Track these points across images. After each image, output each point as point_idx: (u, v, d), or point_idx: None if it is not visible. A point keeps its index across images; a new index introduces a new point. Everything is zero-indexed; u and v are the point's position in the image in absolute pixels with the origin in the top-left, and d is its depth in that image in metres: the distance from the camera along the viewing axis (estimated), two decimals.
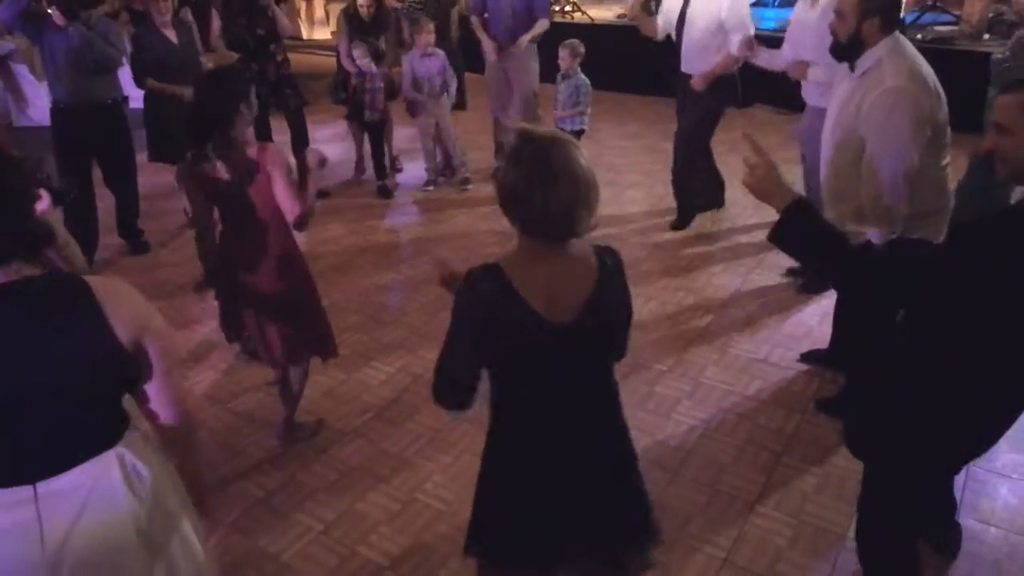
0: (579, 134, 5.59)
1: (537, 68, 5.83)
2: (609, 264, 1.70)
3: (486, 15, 5.79)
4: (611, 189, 5.85)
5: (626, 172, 6.16)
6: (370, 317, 4.27)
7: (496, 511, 1.84)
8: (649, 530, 1.91)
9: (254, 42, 5.33)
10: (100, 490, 1.60)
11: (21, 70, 5.15)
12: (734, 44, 4.55)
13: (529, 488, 1.78)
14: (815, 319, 4.08)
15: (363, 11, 5.56)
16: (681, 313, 4.23)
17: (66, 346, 1.52)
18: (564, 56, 5.40)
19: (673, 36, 4.86)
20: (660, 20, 4.98)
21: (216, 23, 5.29)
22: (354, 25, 5.62)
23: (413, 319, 4.23)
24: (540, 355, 1.68)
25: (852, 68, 2.89)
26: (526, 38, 5.58)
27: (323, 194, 5.94)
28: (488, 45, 5.69)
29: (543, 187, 1.54)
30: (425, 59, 5.64)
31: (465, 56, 7.19)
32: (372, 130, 5.83)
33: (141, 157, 5.12)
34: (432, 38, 5.63)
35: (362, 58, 5.46)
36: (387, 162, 6.13)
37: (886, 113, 2.68)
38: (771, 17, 8.27)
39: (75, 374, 1.54)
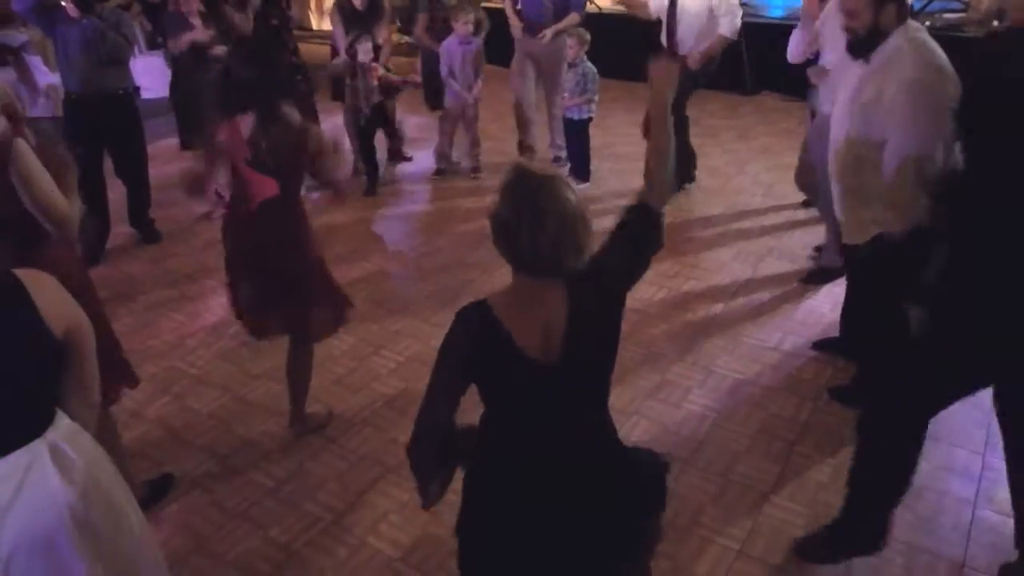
0: (588, 122, 5.57)
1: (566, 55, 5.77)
2: (581, 293, 1.65)
3: (518, 5, 5.79)
4: (621, 177, 5.81)
5: (636, 159, 6.04)
6: (379, 305, 4.25)
7: (482, 547, 1.80)
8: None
9: (267, 31, 5.31)
10: (32, 477, 1.65)
11: (35, 61, 5.16)
12: (724, 26, 4.74)
13: (517, 526, 1.72)
14: (827, 307, 4.04)
15: (356, 0, 5.50)
16: (691, 301, 4.19)
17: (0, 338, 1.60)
18: (571, 44, 5.36)
19: (664, 19, 4.92)
20: (653, 10, 5.03)
21: (236, 15, 5.25)
22: (346, 15, 5.52)
23: (423, 307, 4.21)
24: (529, 394, 1.66)
25: (866, 60, 2.81)
26: (551, 30, 5.56)
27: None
28: (516, 24, 5.69)
29: (531, 223, 1.54)
30: (463, 46, 5.59)
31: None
32: (363, 135, 5.69)
33: (152, 147, 5.13)
34: (471, 28, 5.55)
35: (365, 55, 5.36)
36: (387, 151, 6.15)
37: (912, 103, 2.62)
38: (779, 5, 8.18)
39: (7, 365, 1.60)
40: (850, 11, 2.78)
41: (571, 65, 5.45)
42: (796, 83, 5.04)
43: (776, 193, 5.38)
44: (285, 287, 2.95)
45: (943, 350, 2.25)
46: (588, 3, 8.80)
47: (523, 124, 6.06)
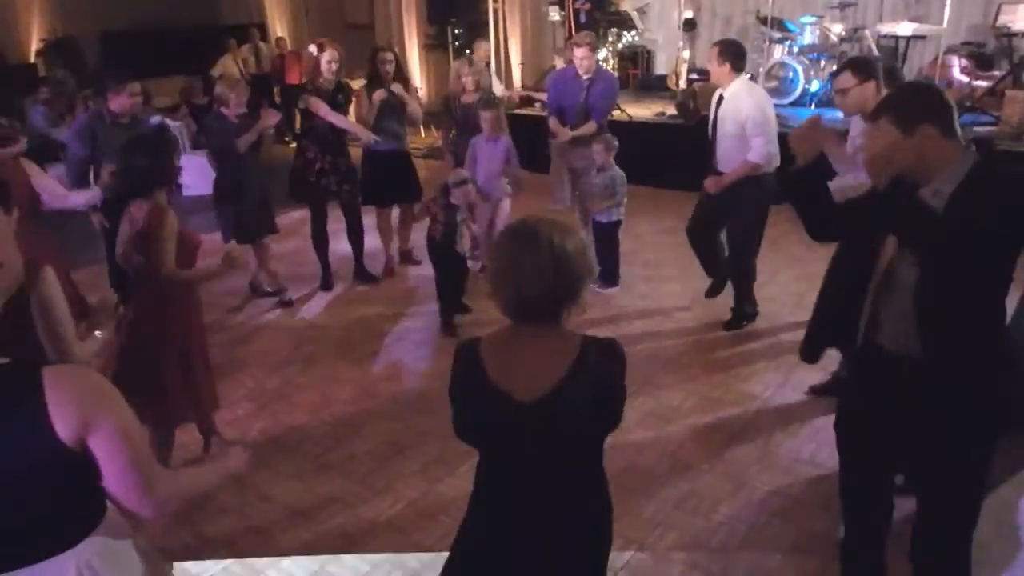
0: (616, 225, 5.65)
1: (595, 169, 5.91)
2: (594, 355, 1.71)
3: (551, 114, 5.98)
4: (649, 284, 5.85)
5: (664, 267, 6.16)
6: (404, 406, 4.25)
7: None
8: None
9: (332, 134, 5.52)
10: None
11: None
12: (755, 150, 4.57)
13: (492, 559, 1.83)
14: None
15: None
16: (721, 409, 4.13)
17: (2, 445, 1.42)
18: (598, 151, 5.49)
19: (710, 135, 4.95)
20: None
21: (323, 106, 5.44)
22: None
23: (447, 409, 4.16)
24: (503, 430, 1.73)
25: None
26: (571, 133, 5.69)
27: (372, 278, 6.10)
28: (558, 127, 5.78)
29: (516, 271, 1.64)
30: (489, 144, 5.56)
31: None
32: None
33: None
34: (493, 124, 5.51)
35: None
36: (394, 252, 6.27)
37: None
38: (807, 115, 8.38)
39: (10, 475, 1.43)
40: (841, 89, 3.30)
41: (600, 170, 5.58)
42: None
43: (806, 303, 5.32)
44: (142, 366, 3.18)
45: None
46: (616, 111, 9.18)
47: None
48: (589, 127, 5.72)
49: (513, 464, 1.77)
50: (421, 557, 3.06)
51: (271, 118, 5.38)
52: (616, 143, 5.53)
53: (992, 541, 2.95)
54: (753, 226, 4.91)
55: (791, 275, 5.90)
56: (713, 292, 5.30)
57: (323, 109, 5.42)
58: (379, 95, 5.63)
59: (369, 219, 6.03)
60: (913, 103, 2.16)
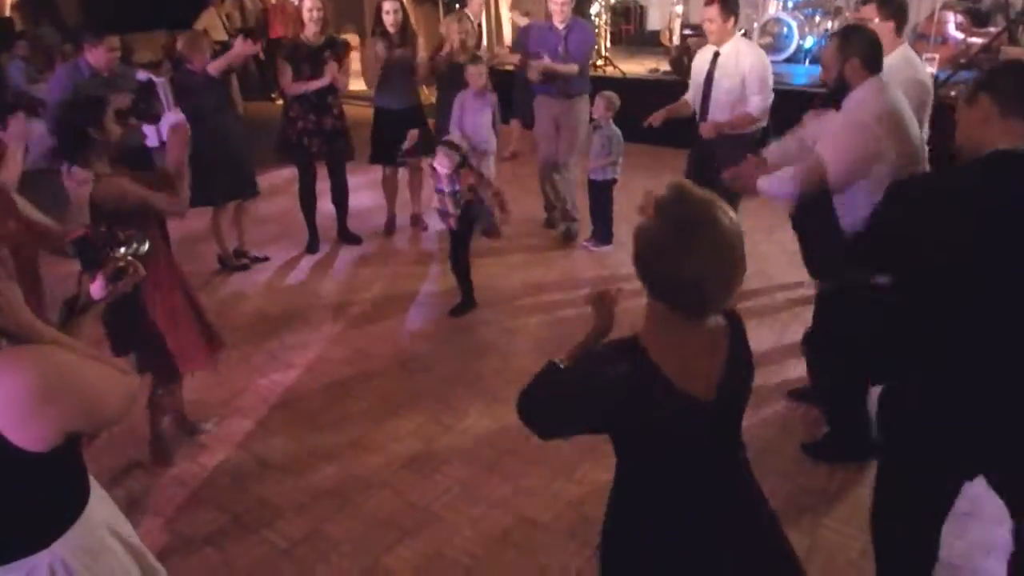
0: (611, 184, 5.60)
1: (587, 119, 5.81)
2: (738, 328, 1.60)
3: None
4: None
5: None
6: (400, 365, 4.22)
7: None
8: None
9: (316, 94, 5.35)
10: None
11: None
12: (753, 104, 4.63)
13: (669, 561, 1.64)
14: None
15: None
16: None
17: None
18: (599, 106, 5.42)
19: (699, 99, 4.91)
20: (690, 91, 5.06)
21: (288, 75, 5.33)
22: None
23: (444, 368, 4.17)
24: (684, 433, 1.55)
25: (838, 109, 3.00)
26: (549, 64, 5.49)
27: (355, 239, 6.00)
28: (534, 66, 5.58)
29: (688, 252, 1.42)
30: (476, 99, 5.35)
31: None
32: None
33: None
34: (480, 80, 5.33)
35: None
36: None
37: (842, 130, 2.89)
38: (802, 73, 8.29)
39: None
40: (823, 64, 3.06)
41: (596, 128, 5.51)
42: None
43: (799, 261, 5.33)
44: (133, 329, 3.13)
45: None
46: (610, 67, 9.05)
47: (550, 184, 6.11)
48: (570, 67, 5.61)
49: (700, 466, 1.59)
50: (416, 516, 3.06)
51: (245, 48, 5.05)
52: (618, 102, 5.46)
53: None
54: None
55: (788, 234, 5.84)
56: None
57: (285, 79, 5.28)
58: (380, 50, 5.45)
59: (376, 176, 5.95)
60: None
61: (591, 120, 5.61)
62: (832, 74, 2.97)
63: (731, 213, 1.47)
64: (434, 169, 4.53)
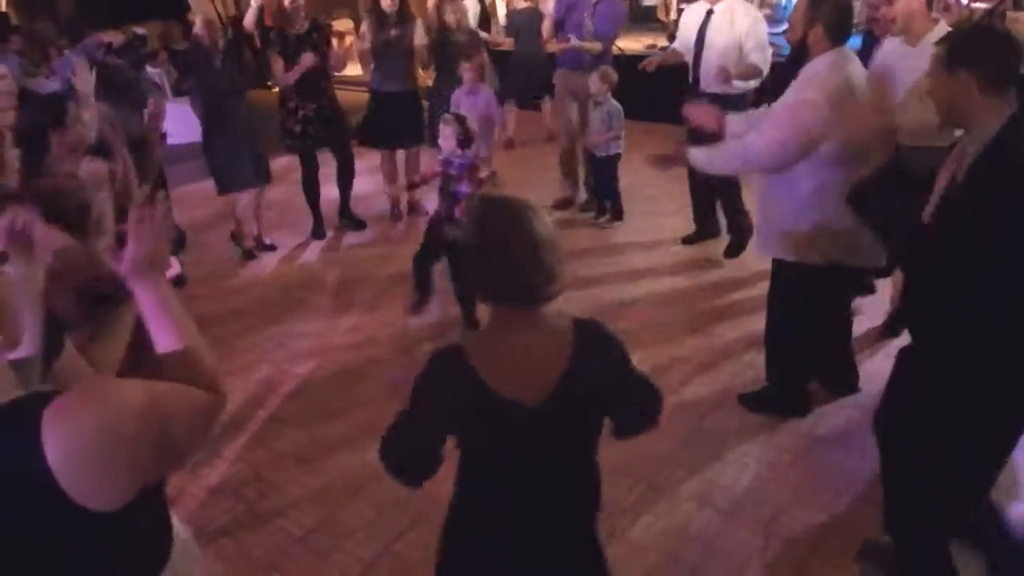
0: (615, 159, 5.60)
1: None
2: (589, 337, 1.58)
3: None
4: (648, 219, 5.78)
5: (662, 201, 6.08)
6: (406, 351, 4.20)
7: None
8: None
9: (309, 80, 5.31)
10: None
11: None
12: (755, 58, 4.61)
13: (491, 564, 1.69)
14: (866, 353, 3.91)
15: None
16: (727, 346, 4.10)
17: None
18: (595, 80, 5.41)
19: (689, 59, 4.89)
20: (678, 44, 5.06)
21: (279, 65, 5.27)
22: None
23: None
24: (508, 439, 1.57)
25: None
26: (576, 43, 5.55)
27: (360, 224, 5.97)
28: (550, 34, 5.73)
29: (501, 249, 1.50)
30: (469, 97, 5.36)
31: None
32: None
33: (179, 191, 5.16)
34: (474, 75, 5.36)
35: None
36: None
37: (789, 109, 2.84)
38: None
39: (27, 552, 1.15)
40: (789, 22, 3.08)
41: (596, 104, 5.50)
42: None
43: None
44: None
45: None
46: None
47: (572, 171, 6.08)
48: (594, 45, 5.58)
49: (517, 469, 1.60)
50: (428, 501, 3.04)
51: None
52: (615, 76, 5.43)
53: None
54: None
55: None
56: (732, 252, 5.08)
57: (278, 69, 5.23)
58: (367, 29, 5.41)
59: (374, 161, 5.90)
60: (964, 43, 2.05)
61: (589, 96, 5.58)
62: (796, 35, 2.92)
63: (541, 212, 1.55)
64: (442, 177, 4.22)
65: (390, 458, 1.67)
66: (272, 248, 5.65)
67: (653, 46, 8.93)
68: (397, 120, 5.69)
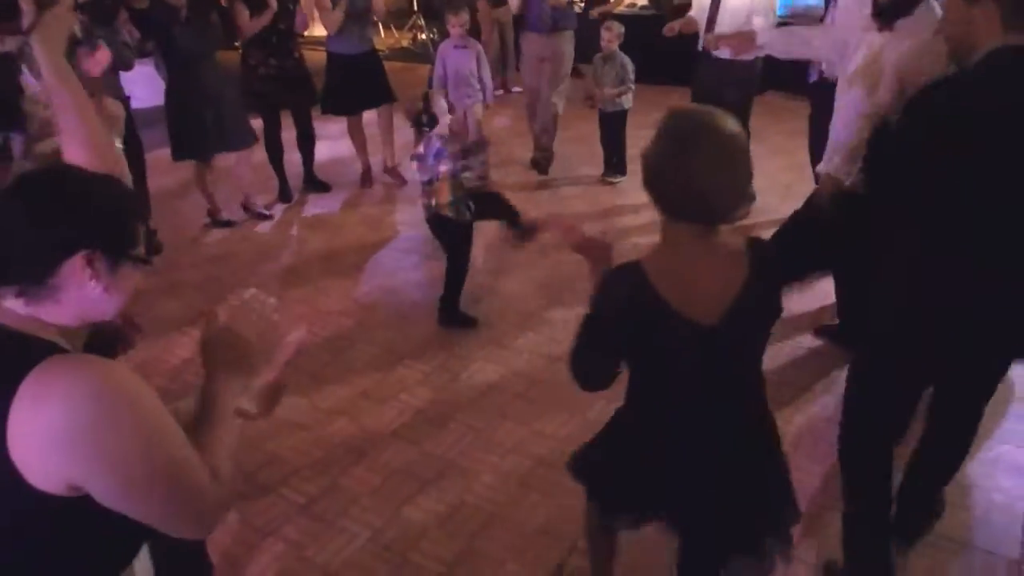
0: (624, 114, 5.63)
1: (572, 54, 5.83)
2: (762, 258, 1.59)
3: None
4: None
5: None
6: (399, 315, 4.15)
7: (623, 473, 1.84)
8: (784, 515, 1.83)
9: (276, 37, 5.15)
10: None
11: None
12: (756, 24, 4.57)
13: (661, 464, 1.73)
14: None
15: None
16: None
17: None
18: (605, 36, 5.44)
19: (702, 26, 4.86)
20: (694, 11, 5.01)
21: (245, 15, 5.09)
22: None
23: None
24: (682, 356, 1.58)
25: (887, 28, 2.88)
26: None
27: (323, 187, 5.87)
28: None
29: (688, 160, 1.43)
30: (457, 51, 5.24)
31: None
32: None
33: (152, 156, 5.01)
34: (461, 30, 5.22)
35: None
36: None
37: (917, 53, 2.71)
38: (781, 4, 8.13)
39: None
40: None
41: (606, 59, 5.50)
42: (799, 81, 4.98)
43: (795, 193, 5.29)
44: None
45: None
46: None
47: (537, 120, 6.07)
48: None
49: (698, 391, 1.63)
50: (434, 465, 3.03)
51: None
52: (621, 27, 5.47)
53: None
54: (739, 114, 4.83)
55: (777, 165, 5.83)
56: None
57: (243, 19, 5.04)
58: None
59: (340, 126, 5.77)
60: None
61: (600, 51, 5.56)
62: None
63: (731, 121, 1.48)
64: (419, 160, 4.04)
65: (575, 366, 1.69)
66: (269, 217, 5.47)
67: (633, 5, 8.79)
68: (360, 84, 5.55)
